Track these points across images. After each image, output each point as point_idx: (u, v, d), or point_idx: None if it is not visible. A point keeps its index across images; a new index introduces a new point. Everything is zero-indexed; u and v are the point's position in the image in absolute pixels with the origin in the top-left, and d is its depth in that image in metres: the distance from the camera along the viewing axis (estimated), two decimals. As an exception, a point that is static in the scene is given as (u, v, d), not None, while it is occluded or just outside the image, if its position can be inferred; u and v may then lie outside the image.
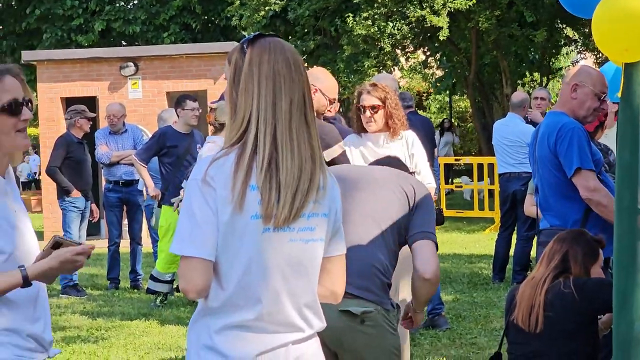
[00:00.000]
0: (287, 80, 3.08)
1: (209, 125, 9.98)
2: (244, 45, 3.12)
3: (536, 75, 32.91)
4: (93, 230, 16.71)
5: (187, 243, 3.04)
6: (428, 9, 21.90)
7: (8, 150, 3.59)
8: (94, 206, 12.34)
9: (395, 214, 4.55)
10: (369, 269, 4.45)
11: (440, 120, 33.78)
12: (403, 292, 6.20)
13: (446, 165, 25.72)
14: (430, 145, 10.10)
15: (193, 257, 3.03)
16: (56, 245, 3.55)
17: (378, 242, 4.51)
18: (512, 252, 11.79)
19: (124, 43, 33.32)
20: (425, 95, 42.30)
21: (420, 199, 4.60)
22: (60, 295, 11.76)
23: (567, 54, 35.83)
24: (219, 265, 3.06)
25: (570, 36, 28.87)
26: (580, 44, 30.41)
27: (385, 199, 4.58)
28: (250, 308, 3.06)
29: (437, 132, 27.40)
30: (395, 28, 22.82)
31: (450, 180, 27.47)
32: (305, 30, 26.40)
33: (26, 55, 19.61)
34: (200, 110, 11.33)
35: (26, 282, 3.43)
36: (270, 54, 3.09)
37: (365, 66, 23.77)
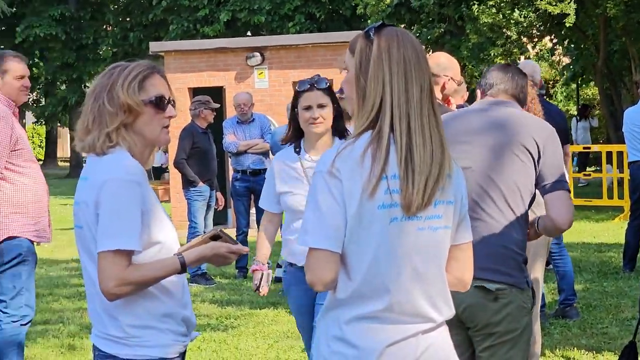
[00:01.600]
0: (417, 68, 3.07)
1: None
2: (370, 33, 3.10)
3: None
4: (220, 220, 16.91)
5: (314, 235, 3.04)
6: (555, -4, 21.54)
7: (150, 142, 3.65)
8: (219, 195, 12.50)
9: (522, 179, 4.53)
10: (505, 251, 4.49)
11: (569, 108, 33.25)
12: (536, 272, 6.21)
13: (582, 153, 25.59)
14: (563, 136, 9.93)
15: (320, 249, 3.04)
16: (215, 237, 3.65)
17: (510, 218, 4.51)
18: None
19: (249, 33, 33.62)
20: (551, 83, 41.67)
21: (545, 147, 4.55)
22: (190, 283, 11.93)
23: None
24: (346, 256, 3.06)
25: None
26: None
27: (509, 166, 4.54)
28: (379, 299, 3.06)
29: (573, 119, 27.15)
30: (522, 15, 22.49)
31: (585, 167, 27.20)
32: (430, 18, 26.24)
33: (154, 47, 19.89)
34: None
35: (183, 269, 3.52)
36: (398, 40, 3.08)
37: (492, 55, 23.52)
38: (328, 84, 5.61)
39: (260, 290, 5.74)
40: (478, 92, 4.95)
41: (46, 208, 6.80)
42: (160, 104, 3.62)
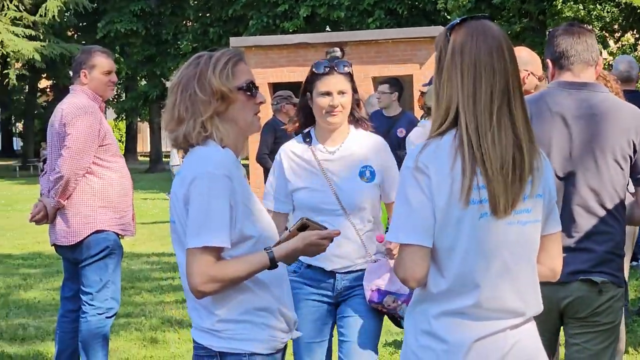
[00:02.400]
0: (489, 69, 3.04)
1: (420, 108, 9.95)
2: (448, 33, 3.09)
3: None
4: (299, 214, 16.93)
5: (404, 231, 3.04)
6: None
7: (243, 130, 3.64)
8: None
9: (622, 181, 4.50)
10: (609, 255, 4.48)
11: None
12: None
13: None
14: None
15: (411, 245, 3.04)
16: (303, 227, 3.59)
17: (612, 222, 4.49)
18: None
19: (328, 29, 33.63)
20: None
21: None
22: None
23: None
24: (436, 251, 3.06)
25: None
26: None
27: (608, 172, 4.48)
28: (469, 294, 3.05)
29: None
30: (605, 10, 22.19)
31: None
32: (511, 13, 26.03)
33: (234, 42, 20.02)
34: (397, 94, 11.29)
35: (273, 264, 3.48)
36: (472, 42, 3.05)
37: (574, 50, 23.21)
38: (349, 68, 4.99)
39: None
40: (548, 62, 4.78)
41: (131, 202, 6.87)
42: (251, 89, 3.61)
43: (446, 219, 3.01)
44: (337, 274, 5.00)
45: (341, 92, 4.88)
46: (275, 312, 3.58)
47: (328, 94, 4.86)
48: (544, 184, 3.14)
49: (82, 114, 6.57)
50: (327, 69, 4.88)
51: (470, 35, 3.06)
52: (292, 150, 5.07)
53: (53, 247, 6.89)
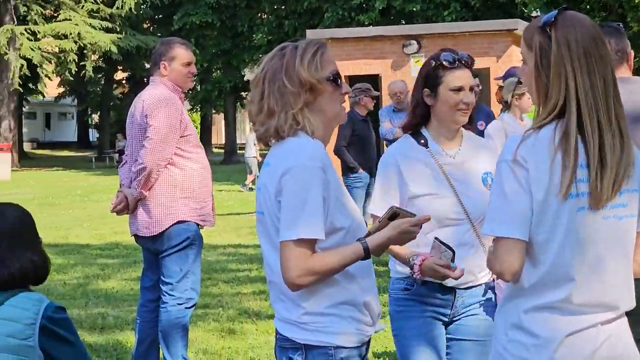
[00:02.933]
0: (597, 59, 3.01)
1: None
2: (548, 28, 3.04)
3: None
4: (375, 207, 16.88)
5: (501, 224, 3.02)
6: None
7: (331, 121, 3.62)
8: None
9: None
10: None
11: None
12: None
13: None
14: None
15: (508, 238, 3.01)
16: (393, 216, 3.56)
17: None
18: None
19: (403, 21, 33.54)
20: None
21: None
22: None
23: None
24: (532, 245, 3.02)
25: None
26: None
27: None
28: (562, 288, 3.01)
29: None
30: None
31: None
32: (589, 6, 25.68)
33: (310, 34, 20.05)
34: (480, 87, 11.18)
35: (367, 254, 3.46)
36: (577, 33, 3.01)
37: (653, 43, 22.91)
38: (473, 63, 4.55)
39: (456, 272, 4.09)
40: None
41: (211, 192, 6.90)
42: (337, 80, 3.58)
43: (543, 213, 2.98)
44: (457, 290, 4.47)
45: (472, 89, 4.46)
46: (361, 305, 3.55)
47: (461, 89, 4.40)
48: (638, 178, 3.10)
49: (163, 105, 6.61)
50: (456, 63, 4.41)
51: (572, 26, 3.02)
52: (408, 152, 4.48)
53: (133, 237, 6.94)
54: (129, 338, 8.17)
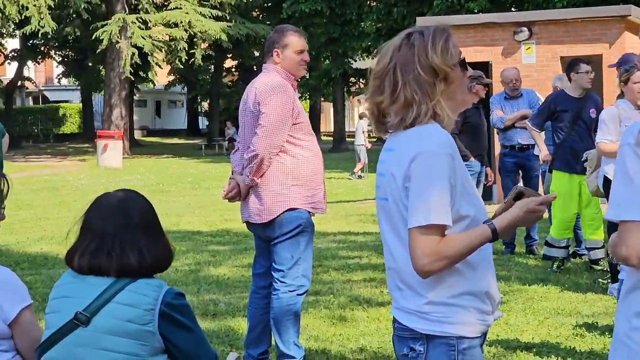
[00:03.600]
0: None
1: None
2: None
3: None
4: (485, 196, 16.73)
5: (627, 207, 2.95)
6: None
7: (458, 107, 3.57)
8: (488, 170, 12.40)
9: None
10: None
11: None
12: None
13: None
14: None
15: (634, 222, 2.93)
16: (518, 195, 3.52)
17: None
18: None
19: (513, 8, 33.14)
20: None
21: None
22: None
23: None
24: None
25: None
26: None
27: None
28: None
29: None
30: None
31: None
32: None
33: (420, 22, 19.89)
34: (593, 74, 10.96)
35: (495, 236, 3.41)
36: None
37: None
38: None
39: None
40: None
41: (322, 180, 6.89)
42: (465, 64, 3.54)
43: None
44: None
45: None
46: (483, 295, 3.50)
47: None
48: None
49: (276, 93, 6.62)
50: None
51: None
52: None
53: (245, 224, 6.98)
54: (241, 324, 8.24)
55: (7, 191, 3.99)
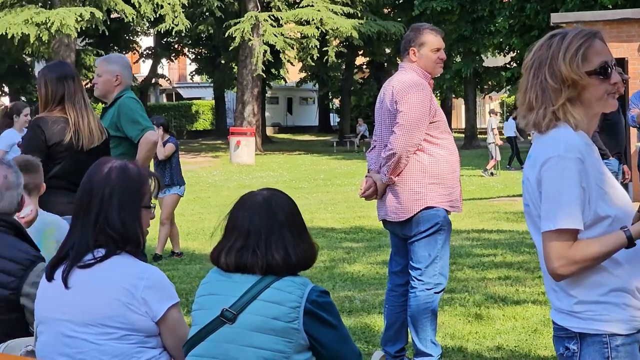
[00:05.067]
0: None
1: None
2: None
3: None
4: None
5: None
6: None
7: (595, 113, 3.53)
8: (625, 168, 12.22)
9: None
10: None
11: None
12: None
13: None
14: None
15: None
16: None
17: None
18: None
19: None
20: None
21: None
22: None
23: None
24: None
25: None
26: None
27: None
28: None
29: None
30: None
31: None
32: None
33: (555, 18, 19.68)
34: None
35: (630, 243, 3.38)
36: None
37: None
38: None
39: None
40: None
41: (459, 178, 6.89)
42: (604, 72, 3.47)
43: None
44: None
45: None
46: (634, 291, 3.47)
47: None
48: None
49: (413, 91, 6.64)
50: None
51: None
52: None
53: (382, 222, 7.02)
54: (377, 321, 8.28)
55: (158, 190, 4.09)
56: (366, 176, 6.98)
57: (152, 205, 4.05)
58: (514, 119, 29.09)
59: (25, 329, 4.31)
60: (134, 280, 3.79)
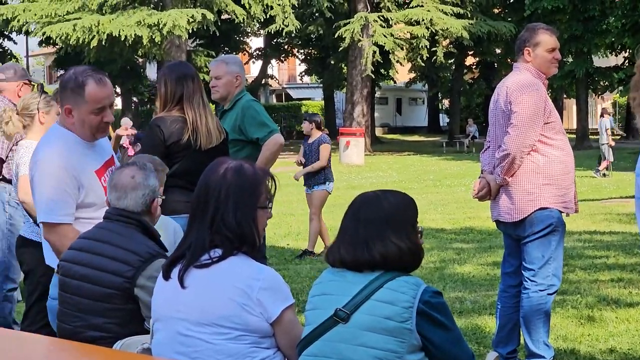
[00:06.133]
0: None
1: None
2: None
3: None
4: None
5: None
6: None
7: None
8: None
9: None
10: None
11: None
12: None
13: None
14: None
15: None
16: None
17: None
18: None
19: None
20: None
21: None
22: None
23: None
24: None
25: None
26: None
27: None
28: None
29: None
30: None
31: None
32: None
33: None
34: None
35: None
36: None
37: None
38: None
39: None
40: None
41: (573, 179, 6.83)
42: None
43: None
44: None
45: None
46: None
47: None
48: None
49: (527, 92, 6.61)
50: None
51: None
52: None
53: (495, 222, 7.01)
54: (488, 323, 8.26)
55: (275, 190, 4.12)
56: (480, 177, 6.96)
57: (269, 205, 4.07)
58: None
59: (139, 323, 4.41)
60: (250, 281, 3.82)
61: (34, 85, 8.18)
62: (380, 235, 3.78)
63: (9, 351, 3.42)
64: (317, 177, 13.00)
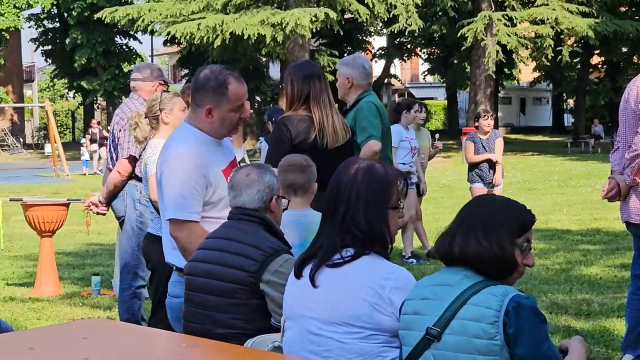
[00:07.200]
0: None
1: None
2: None
3: None
4: None
5: None
6: None
7: None
8: None
9: None
10: None
11: None
12: None
13: None
14: None
15: None
16: None
17: None
18: None
19: None
20: None
21: None
22: None
23: None
24: None
25: None
26: None
27: None
28: None
29: None
30: None
31: None
32: None
33: None
34: None
35: None
36: None
37: None
38: None
39: None
40: None
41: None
42: None
43: None
44: None
45: None
46: None
47: None
48: None
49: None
50: None
51: None
52: None
53: (624, 224, 6.88)
54: (615, 325, 8.12)
55: (407, 191, 4.09)
56: (609, 177, 6.85)
57: (400, 205, 4.04)
58: None
59: (265, 319, 4.42)
60: (381, 281, 3.79)
61: (168, 86, 8.31)
62: (468, 230, 3.66)
63: (142, 349, 3.48)
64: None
